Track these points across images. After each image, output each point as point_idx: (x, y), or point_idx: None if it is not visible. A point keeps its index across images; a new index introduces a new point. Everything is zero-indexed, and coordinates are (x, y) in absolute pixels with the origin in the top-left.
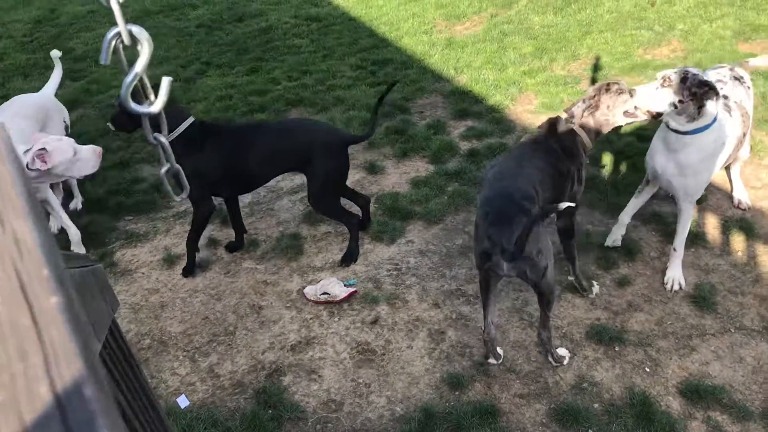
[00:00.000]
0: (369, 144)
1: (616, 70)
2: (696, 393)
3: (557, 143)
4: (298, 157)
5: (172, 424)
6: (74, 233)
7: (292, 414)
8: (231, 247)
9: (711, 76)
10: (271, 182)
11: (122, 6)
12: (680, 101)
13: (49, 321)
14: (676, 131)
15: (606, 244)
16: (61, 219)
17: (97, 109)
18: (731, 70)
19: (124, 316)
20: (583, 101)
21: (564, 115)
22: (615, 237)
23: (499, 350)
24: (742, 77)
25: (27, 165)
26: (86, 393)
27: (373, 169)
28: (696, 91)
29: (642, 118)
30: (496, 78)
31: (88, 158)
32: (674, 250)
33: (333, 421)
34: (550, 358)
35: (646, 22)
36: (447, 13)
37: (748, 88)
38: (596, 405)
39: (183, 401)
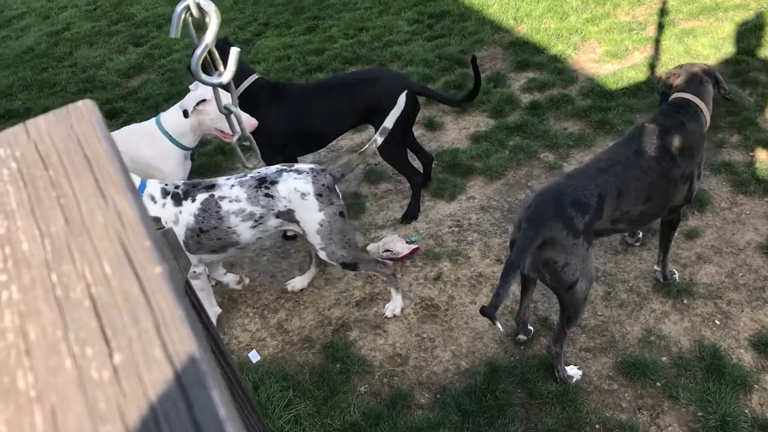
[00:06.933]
0: (427, 100)
1: (683, 15)
2: None
3: (679, 139)
4: (367, 108)
5: (245, 378)
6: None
7: (359, 368)
8: None
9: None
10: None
11: None
12: None
13: (156, 289)
14: None
15: None
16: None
17: (160, 73)
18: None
19: None
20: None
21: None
22: None
23: (530, 327)
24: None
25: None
26: (195, 355)
27: (432, 125)
28: None
29: None
30: (557, 27)
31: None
32: None
33: (399, 375)
34: (557, 374)
35: None
36: None
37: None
38: (664, 358)
39: (254, 356)
